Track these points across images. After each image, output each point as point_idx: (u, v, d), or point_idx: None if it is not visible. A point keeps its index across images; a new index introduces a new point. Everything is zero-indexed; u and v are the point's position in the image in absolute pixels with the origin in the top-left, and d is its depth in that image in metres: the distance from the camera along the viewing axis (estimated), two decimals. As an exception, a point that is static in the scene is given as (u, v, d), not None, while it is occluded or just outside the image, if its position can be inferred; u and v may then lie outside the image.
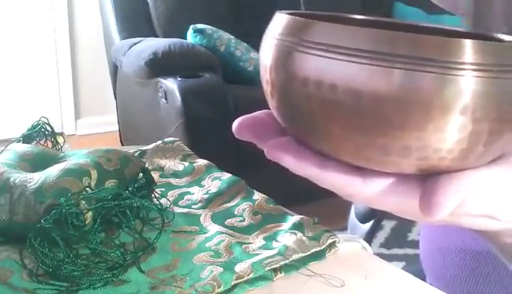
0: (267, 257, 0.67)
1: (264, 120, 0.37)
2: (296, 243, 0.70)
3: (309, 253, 0.69)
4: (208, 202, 0.83)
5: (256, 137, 0.36)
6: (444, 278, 0.77)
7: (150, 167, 0.89)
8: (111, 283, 0.63)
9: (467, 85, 0.30)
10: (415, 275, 0.67)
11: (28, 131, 0.94)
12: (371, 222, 1.49)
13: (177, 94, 2.31)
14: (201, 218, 0.79)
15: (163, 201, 0.82)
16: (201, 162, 0.93)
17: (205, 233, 0.75)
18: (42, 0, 3.47)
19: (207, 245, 0.72)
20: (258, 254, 0.68)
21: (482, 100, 0.30)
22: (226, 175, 0.88)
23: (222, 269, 0.65)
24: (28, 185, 0.71)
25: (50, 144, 0.94)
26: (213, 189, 0.85)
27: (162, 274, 0.65)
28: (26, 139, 0.92)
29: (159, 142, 0.99)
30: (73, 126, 3.69)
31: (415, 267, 0.86)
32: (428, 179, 0.33)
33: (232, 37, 2.73)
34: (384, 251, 2.29)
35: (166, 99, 2.38)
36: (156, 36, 2.86)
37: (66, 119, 3.67)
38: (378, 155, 0.32)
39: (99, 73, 3.46)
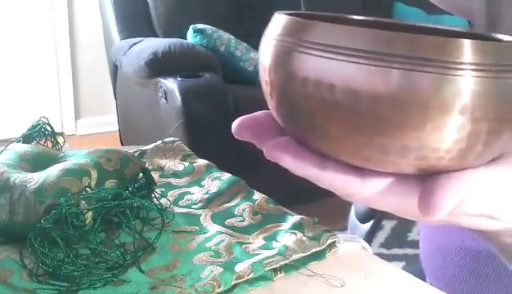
0: (267, 257, 0.67)
1: (263, 120, 0.37)
2: (296, 243, 0.70)
3: (309, 253, 0.69)
4: (208, 202, 0.83)
5: (255, 137, 0.36)
6: (444, 278, 0.77)
7: (150, 167, 0.89)
8: (111, 283, 0.63)
9: (466, 85, 0.30)
10: (415, 275, 0.67)
11: (28, 131, 0.94)
12: (371, 222, 1.49)
13: (177, 94, 2.31)
14: (201, 218, 0.79)
15: (163, 201, 0.82)
16: (201, 162, 0.93)
17: (205, 233, 0.75)
18: (42, 0, 3.47)
19: (207, 245, 0.72)
20: (258, 254, 0.68)
21: (480, 99, 0.30)
22: (226, 175, 0.88)
23: (222, 269, 0.65)
24: (28, 185, 0.71)
25: (50, 144, 0.94)
26: (213, 189, 0.85)
27: (162, 274, 0.65)
28: (26, 139, 0.92)
29: (159, 142, 0.99)
30: (73, 126, 3.69)
31: (415, 267, 0.86)
32: (427, 179, 0.33)
33: (232, 37, 2.73)
34: (384, 251, 2.29)
35: (166, 99, 2.38)
36: (156, 36, 2.86)
37: (66, 119, 3.67)
38: (376, 155, 0.32)
39: (99, 73, 3.46)
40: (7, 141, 0.88)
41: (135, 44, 2.66)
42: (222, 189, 0.85)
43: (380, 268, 0.69)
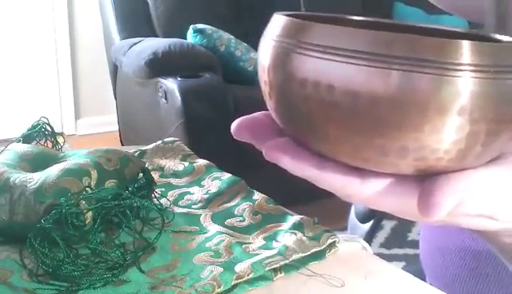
0: (267, 257, 0.67)
1: (262, 121, 0.37)
2: (296, 243, 0.70)
3: (309, 253, 0.69)
4: (208, 202, 0.83)
5: (254, 138, 0.36)
6: (444, 278, 0.77)
7: (150, 167, 0.89)
8: (111, 283, 0.63)
9: (464, 86, 0.30)
10: (415, 275, 0.67)
11: (28, 131, 0.94)
12: (371, 222, 1.49)
13: (177, 94, 2.31)
14: (201, 218, 0.79)
15: (163, 201, 0.82)
16: (201, 162, 0.93)
17: (205, 233, 0.75)
18: (42, 0, 3.47)
19: (207, 245, 0.72)
20: (258, 254, 0.68)
21: (479, 100, 0.30)
22: (226, 175, 0.88)
23: (222, 269, 0.65)
24: (28, 185, 0.71)
25: (50, 144, 0.94)
26: (213, 189, 0.85)
27: (162, 274, 0.65)
28: (26, 139, 0.92)
29: (159, 142, 0.99)
30: (73, 126, 3.69)
31: (415, 267, 0.86)
32: (426, 179, 0.33)
33: (232, 37, 2.73)
34: (384, 251, 2.29)
35: (166, 99, 2.38)
36: (156, 36, 2.86)
37: (66, 119, 3.67)
38: (375, 156, 0.32)
39: (99, 73, 3.46)
40: (7, 141, 0.88)
41: (135, 44, 2.66)
42: (222, 189, 0.85)
43: (380, 268, 0.69)
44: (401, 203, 0.35)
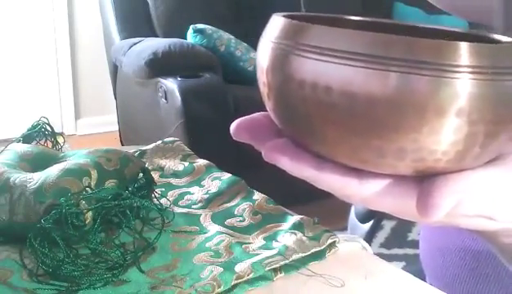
0: (267, 257, 0.67)
1: (261, 122, 0.37)
2: (296, 243, 0.70)
3: (309, 253, 0.69)
4: (208, 202, 0.83)
5: (253, 139, 0.37)
6: (444, 278, 0.77)
7: (150, 167, 0.89)
8: (111, 283, 0.63)
9: (462, 87, 0.30)
10: (415, 275, 0.67)
11: (28, 131, 0.94)
12: (371, 222, 1.49)
13: (177, 94, 2.31)
14: (201, 218, 0.79)
15: (163, 201, 0.82)
16: (201, 162, 0.93)
17: (205, 233, 0.75)
18: (42, 0, 3.47)
19: (207, 245, 0.72)
20: (258, 254, 0.68)
21: (477, 102, 0.30)
22: (226, 175, 0.88)
23: (222, 269, 0.65)
24: (28, 185, 0.71)
25: (50, 144, 0.94)
26: (213, 189, 0.85)
27: (162, 274, 0.65)
28: (26, 139, 0.92)
29: (159, 142, 0.99)
30: (73, 126, 3.69)
31: (415, 267, 0.86)
32: (424, 180, 0.33)
33: (232, 37, 2.73)
34: (384, 251, 2.29)
35: (166, 99, 2.38)
36: (156, 36, 2.86)
37: (66, 119, 3.67)
38: (374, 157, 0.32)
39: (99, 73, 3.46)
40: (7, 141, 0.88)
41: (135, 44, 2.66)
42: (222, 189, 0.85)
43: (380, 268, 0.69)
44: (400, 204, 0.35)
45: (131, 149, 0.95)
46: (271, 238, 0.73)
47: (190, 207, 0.82)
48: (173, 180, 0.90)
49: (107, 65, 3.06)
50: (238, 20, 3.00)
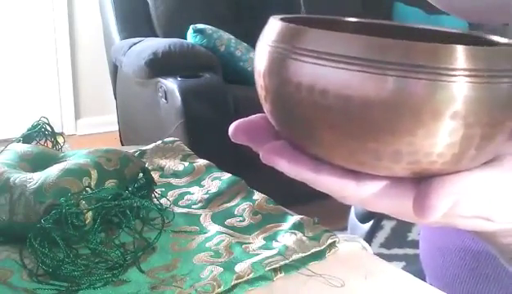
0: (267, 257, 0.67)
1: (259, 124, 0.37)
2: (296, 243, 0.70)
3: (309, 253, 0.69)
4: (208, 202, 0.83)
5: (251, 141, 0.37)
6: (444, 278, 0.77)
7: (150, 167, 0.89)
8: (111, 283, 0.63)
9: (459, 90, 0.30)
10: (415, 275, 0.67)
11: (28, 131, 0.94)
12: (371, 222, 1.49)
13: (177, 94, 2.31)
14: (201, 218, 0.79)
15: (163, 201, 0.82)
16: (201, 162, 0.93)
17: (205, 233, 0.75)
18: (42, 0, 3.47)
19: (207, 245, 0.72)
20: (258, 254, 0.68)
21: (473, 105, 0.31)
22: (226, 175, 0.88)
23: (222, 269, 0.65)
24: (28, 185, 0.71)
25: (50, 144, 0.94)
26: (213, 189, 0.85)
27: (162, 274, 0.65)
28: (26, 139, 0.92)
29: (159, 142, 0.99)
30: (73, 126, 3.69)
31: (415, 267, 0.86)
32: (421, 181, 0.33)
33: (232, 37, 2.73)
34: (384, 251, 2.29)
35: (166, 99, 2.38)
36: (156, 36, 2.86)
37: (66, 119, 3.67)
38: (370, 160, 0.32)
39: (99, 73, 3.46)
40: (7, 141, 0.88)
41: (135, 44, 2.66)
42: (222, 189, 0.85)
43: (380, 268, 0.69)
44: (397, 205, 0.35)
45: (131, 149, 0.95)
46: (271, 238, 0.73)
47: (190, 207, 0.82)
48: (173, 180, 0.90)
49: (107, 65, 3.06)
50: (238, 20, 3.00)
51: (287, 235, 0.72)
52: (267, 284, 0.65)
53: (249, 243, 0.72)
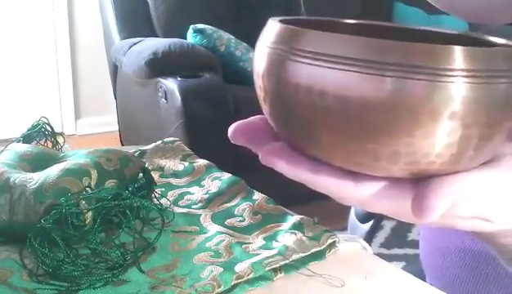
0: (267, 257, 0.67)
1: (258, 125, 0.37)
2: (296, 243, 0.70)
3: (309, 253, 0.69)
4: (208, 202, 0.83)
5: (250, 142, 0.37)
6: (444, 278, 0.77)
7: (150, 167, 0.89)
8: (111, 283, 0.63)
9: (457, 91, 0.30)
10: (415, 275, 0.67)
11: (28, 131, 0.94)
12: (371, 222, 1.49)
13: (177, 94, 2.31)
14: (201, 218, 0.79)
15: (163, 201, 0.82)
16: (201, 162, 0.93)
17: (205, 233, 0.75)
18: (42, 0, 3.47)
19: (207, 245, 0.72)
20: (258, 254, 0.68)
21: (471, 105, 0.31)
22: (226, 175, 0.88)
23: (222, 269, 0.65)
24: (28, 185, 0.71)
25: (50, 144, 0.94)
26: (213, 189, 0.85)
27: (162, 274, 0.65)
28: (26, 139, 0.92)
29: (159, 142, 0.99)
30: (73, 126, 3.69)
31: (415, 267, 0.86)
32: (420, 182, 0.33)
33: (232, 37, 2.73)
34: (384, 251, 2.29)
35: (166, 99, 2.38)
36: (156, 36, 2.86)
37: (66, 119, 3.67)
38: (368, 161, 0.32)
39: (99, 73, 3.46)
40: (7, 141, 0.88)
41: (135, 44, 2.66)
42: (222, 189, 0.85)
43: (380, 268, 0.69)
44: (396, 206, 0.35)
45: (131, 149, 0.95)
46: (271, 238, 0.73)
47: (190, 207, 0.82)
48: (173, 180, 0.90)
49: (107, 65, 3.06)
50: (238, 20, 3.00)
51: (287, 235, 0.72)
52: (267, 284, 0.65)
53: (249, 243, 0.72)
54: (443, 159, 0.32)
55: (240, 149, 0.41)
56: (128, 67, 2.63)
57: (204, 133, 2.29)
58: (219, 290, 0.62)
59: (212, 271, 0.65)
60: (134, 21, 2.92)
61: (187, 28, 2.69)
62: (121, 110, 3.04)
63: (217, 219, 0.78)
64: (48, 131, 0.95)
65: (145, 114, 2.69)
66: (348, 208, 1.54)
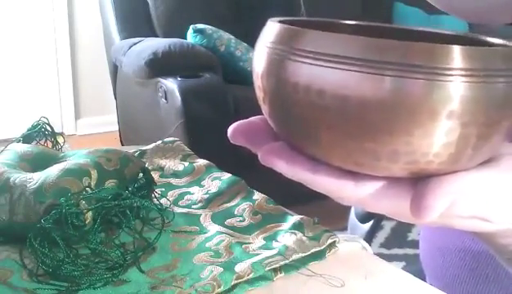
0: (267, 257, 0.67)
1: (258, 125, 0.38)
2: (296, 243, 0.70)
3: (309, 253, 0.69)
4: (208, 202, 0.83)
5: (250, 142, 0.37)
6: (444, 278, 0.77)
7: (150, 167, 0.89)
8: (111, 283, 0.63)
9: (455, 90, 0.30)
10: (415, 275, 0.67)
11: (28, 131, 0.94)
12: (371, 222, 1.49)
13: (177, 94, 2.31)
14: (201, 218, 0.79)
15: (163, 201, 0.82)
16: (201, 162, 0.93)
17: (205, 233, 0.75)
18: (42, 0, 3.47)
19: (207, 245, 0.72)
20: (258, 254, 0.68)
21: (470, 104, 0.31)
22: (226, 175, 0.88)
23: (222, 269, 0.65)
24: (28, 185, 0.71)
25: (50, 144, 0.94)
26: (213, 189, 0.85)
27: (162, 274, 0.65)
28: (26, 139, 0.92)
29: (159, 142, 0.99)
30: (73, 126, 3.69)
31: (415, 267, 0.86)
32: (419, 181, 0.33)
33: (232, 37, 2.73)
34: (384, 251, 2.29)
35: (166, 99, 2.38)
36: (156, 36, 2.86)
37: (66, 119, 3.67)
38: (368, 160, 0.32)
39: (99, 73, 3.46)
40: (7, 141, 0.88)
41: (135, 44, 2.66)
42: (222, 189, 0.85)
43: (380, 268, 0.69)
44: (395, 205, 0.35)
45: (131, 149, 0.95)
46: (271, 238, 0.73)
47: (190, 207, 0.82)
48: (173, 180, 0.90)
49: (107, 65, 3.06)
50: (238, 20, 3.00)
51: (287, 235, 0.72)
52: (267, 284, 0.65)
53: (249, 243, 0.72)
54: (442, 158, 0.32)
55: (240, 149, 0.41)
56: (128, 67, 2.63)
57: (204, 133, 2.29)
58: (219, 290, 0.62)
59: (212, 271, 0.65)
60: (134, 21, 2.92)
61: (187, 28, 2.69)
62: (121, 110, 3.04)
63: (217, 219, 0.78)
64: (48, 131, 0.95)
65: (145, 114, 2.69)
66: (348, 208, 1.54)
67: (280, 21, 0.36)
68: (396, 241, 2.37)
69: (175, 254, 0.70)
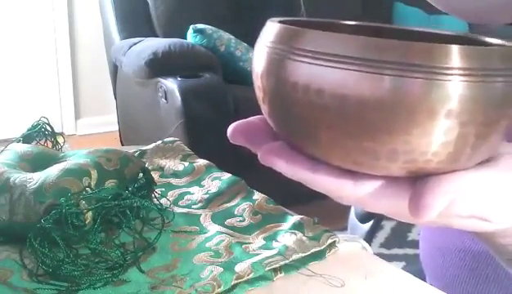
0: (267, 257, 0.67)
1: (257, 125, 0.38)
2: (296, 243, 0.70)
3: (309, 253, 0.69)
4: (208, 202, 0.83)
5: (249, 142, 0.37)
6: (444, 278, 0.77)
7: (150, 167, 0.89)
8: (111, 283, 0.63)
9: (454, 89, 0.30)
10: (415, 275, 0.67)
11: (28, 131, 0.94)
12: (371, 222, 1.49)
13: (177, 94, 2.31)
14: (201, 218, 0.79)
15: (163, 201, 0.82)
16: (201, 162, 0.93)
17: (205, 233, 0.75)
18: (42, 0, 3.47)
19: (207, 245, 0.72)
20: (258, 254, 0.69)
21: (468, 104, 0.31)
22: (226, 175, 0.88)
23: (222, 269, 0.65)
24: (28, 185, 0.71)
25: (50, 144, 0.94)
26: (213, 189, 0.85)
27: (162, 274, 0.65)
28: (26, 139, 0.92)
29: (159, 142, 0.99)
30: (73, 126, 3.69)
31: (415, 267, 0.86)
32: (417, 181, 0.33)
33: (232, 37, 2.73)
34: (384, 251, 2.29)
35: (166, 99, 2.38)
36: (156, 36, 2.86)
37: (66, 119, 3.67)
38: (367, 159, 0.33)
39: (99, 73, 3.46)
40: (7, 141, 0.88)
41: (135, 44, 2.66)
42: (222, 189, 0.85)
43: (380, 268, 0.69)
44: (394, 205, 0.35)
45: (131, 149, 0.95)
46: (271, 238, 0.73)
47: (190, 207, 0.82)
48: (173, 180, 0.90)
49: (107, 65, 3.06)
50: (238, 20, 3.00)
51: (287, 235, 0.72)
52: (267, 284, 0.65)
53: (249, 243, 0.72)
54: (440, 158, 0.32)
55: (240, 149, 0.41)
56: (128, 67, 2.63)
57: (204, 133, 2.29)
58: (219, 290, 0.62)
59: (212, 271, 0.65)
60: (134, 21, 2.92)
61: (187, 28, 2.69)
62: (121, 110, 3.05)
63: (217, 219, 0.78)
64: (48, 131, 0.95)
65: (145, 114, 2.69)
66: (348, 208, 1.54)
67: (280, 21, 0.36)
68: (396, 241, 2.37)
69: (175, 254, 0.70)
